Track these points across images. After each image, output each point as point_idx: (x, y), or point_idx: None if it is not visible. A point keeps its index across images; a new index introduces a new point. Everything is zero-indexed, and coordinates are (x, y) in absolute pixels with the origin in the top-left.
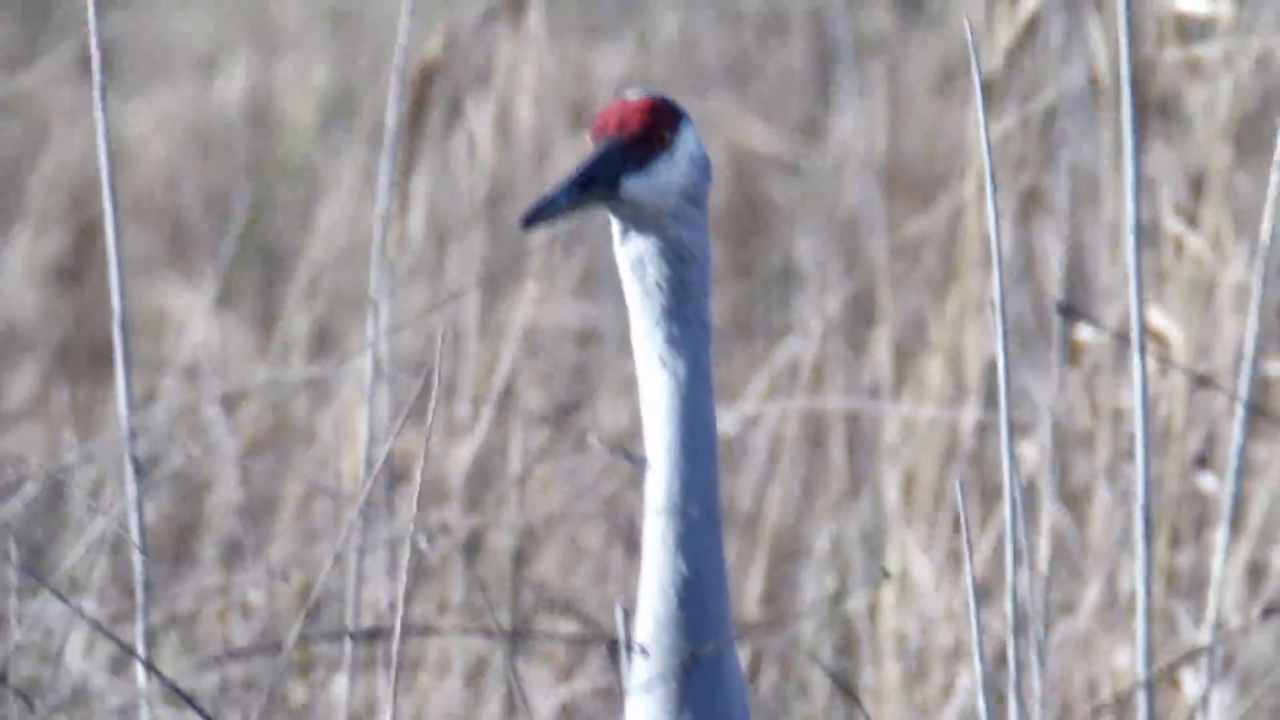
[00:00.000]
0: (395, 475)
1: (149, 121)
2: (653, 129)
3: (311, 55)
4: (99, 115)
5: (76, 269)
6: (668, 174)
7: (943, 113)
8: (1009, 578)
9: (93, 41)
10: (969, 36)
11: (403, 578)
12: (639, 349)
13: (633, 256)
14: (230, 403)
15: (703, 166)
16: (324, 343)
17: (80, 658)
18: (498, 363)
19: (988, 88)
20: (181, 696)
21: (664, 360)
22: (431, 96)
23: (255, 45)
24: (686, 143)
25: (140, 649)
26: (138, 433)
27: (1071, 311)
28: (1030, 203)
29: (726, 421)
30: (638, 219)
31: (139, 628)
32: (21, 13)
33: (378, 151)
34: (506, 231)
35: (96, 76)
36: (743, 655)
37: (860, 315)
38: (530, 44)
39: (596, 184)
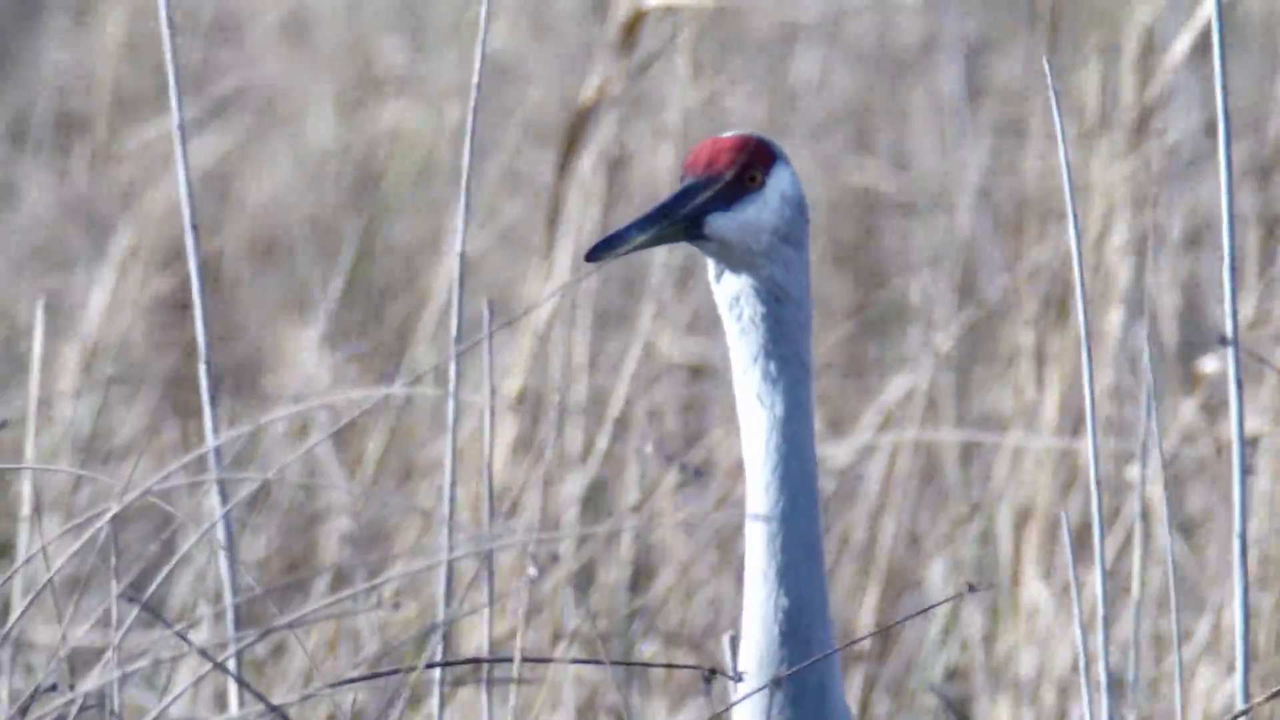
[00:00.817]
0: (510, 506)
1: (269, 161)
2: (743, 167)
3: (437, 97)
4: (179, 152)
5: (187, 304)
6: (757, 213)
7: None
8: (1099, 610)
9: (170, 78)
10: (1047, 76)
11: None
12: (738, 386)
13: (728, 295)
14: (345, 436)
15: (797, 206)
16: (439, 376)
17: (188, 689)
18: (611, 395)
19: (1125, 126)
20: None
21: (761, 398)
22: (582, 141)
23: (375, 88)
24: (780, 182)
25: (235, 671)
26: (243, 464)
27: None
28: (1156, 239)
29: (840, 453)
30: (728, 257)
31: (231, 650)
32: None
33: (502, 189)
34: (624, 268)
35: (175, 115)
36: (856, 684)
37: (975, 349)
38: (672, 86)
39: (677, 219)
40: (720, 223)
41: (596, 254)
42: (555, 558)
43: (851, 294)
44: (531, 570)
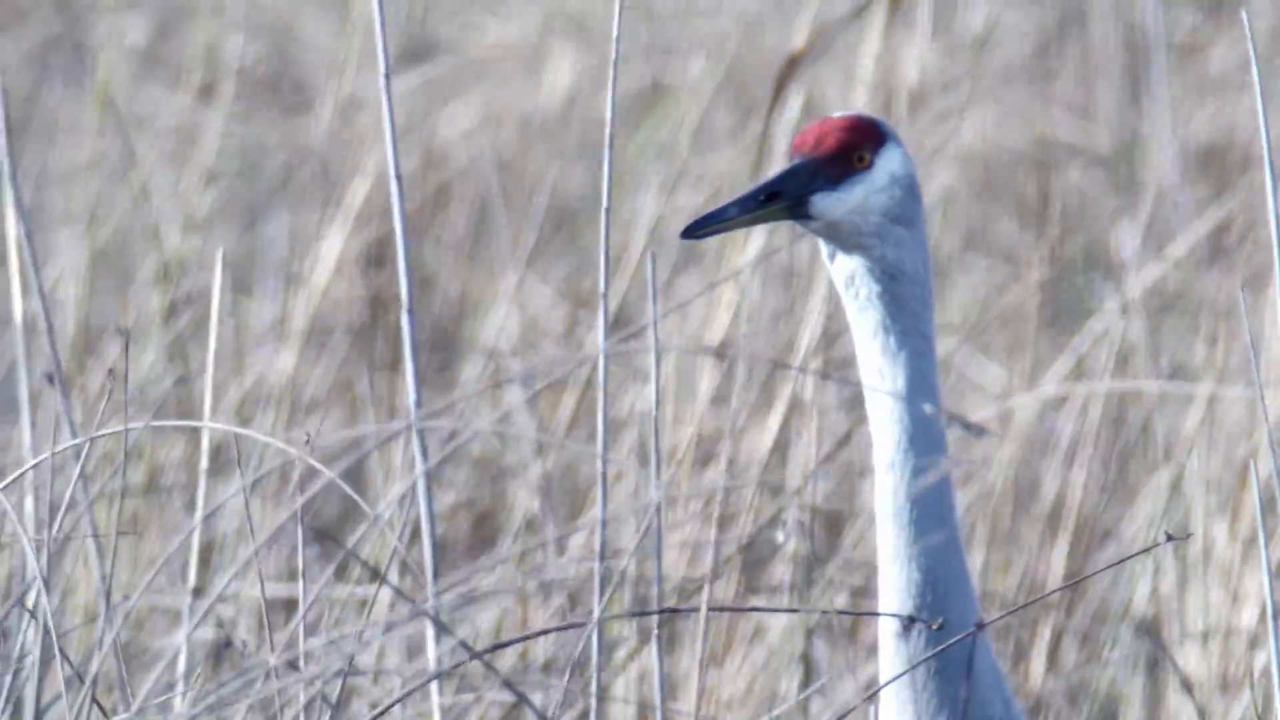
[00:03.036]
0: (703, 456)
1: (477, 117)
2: (850, 147)
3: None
4: (385, 103)
5: (376, 256)
6: (864, 194)
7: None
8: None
9: (377, 25)
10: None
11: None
12: (860, 362)
13: (844, 274)
14: (537, 386)
15: (907, 187)
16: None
17: (383, 638)
18: (796, 344)
19: None
20: (487, 666)
21: (883, 372)
22: (789, 91)
23: (580, 42)
24: (890, 163)
25: (431, 629)
26: (437, 415)
27: None
28: None
29: (1030, 405)
30: (836, 237)
31: (430, 602)
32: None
33: (703, 144)
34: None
35: (381, 64)
36: (1044, 635)
37: (1166, 299)
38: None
39: (780, 199)
40: (825, 203)
41: (692, 232)
42: (782, 522)
43: (1038, 244)
44: (779, 535)
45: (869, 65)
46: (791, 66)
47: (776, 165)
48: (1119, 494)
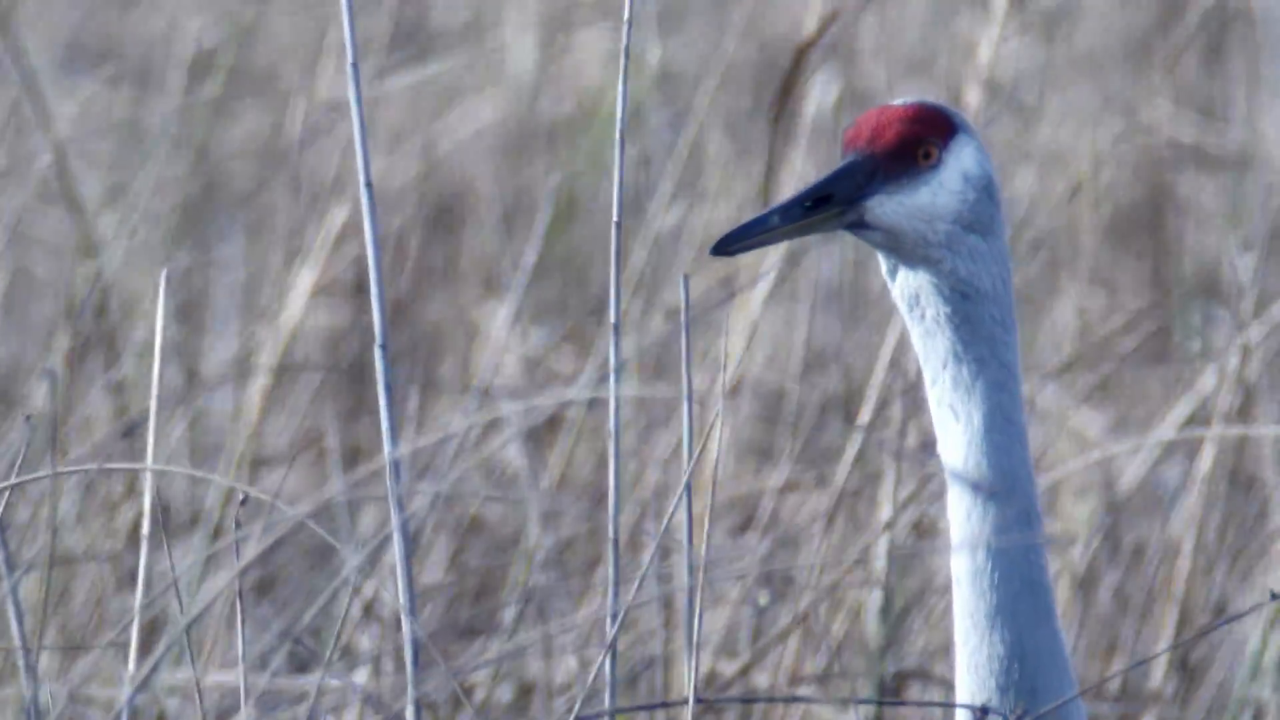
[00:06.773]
0: (743, 520)
1: (481, 115)
2: (914, 140)
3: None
4: (353, 94)
5: (357, 282)
6: (932, 196)
7: None
8: None
9: (345, 12)
10: None
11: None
12: (929, 395)
13: (907, 293)
14: (537, 435)
15: (983, 188)
16: (650, 362)
17: None
18: (862, 392)
19: None
20: None
21: (955, 408)
22: (801, 80)
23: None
24: (962, 159)
25: None
26: (419, 468)
27: None
28: None
29: (1133, 457)
30: (899, 249)
31: (410, 697)
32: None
33: (710, 138)
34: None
35: (349, 52)
36: None
37: None
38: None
39: (830, 203)
40: (885, 209)
41: (726, 246)
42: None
43: (1144, 267)
44: (763, 598)
45: (925, 46)
46: (803, 54)
47: (792, 181)
48: (1240, 562)
